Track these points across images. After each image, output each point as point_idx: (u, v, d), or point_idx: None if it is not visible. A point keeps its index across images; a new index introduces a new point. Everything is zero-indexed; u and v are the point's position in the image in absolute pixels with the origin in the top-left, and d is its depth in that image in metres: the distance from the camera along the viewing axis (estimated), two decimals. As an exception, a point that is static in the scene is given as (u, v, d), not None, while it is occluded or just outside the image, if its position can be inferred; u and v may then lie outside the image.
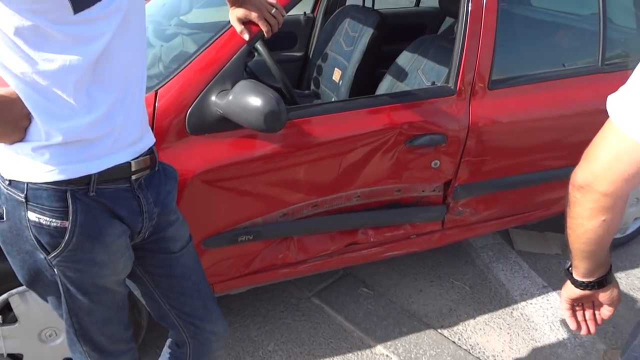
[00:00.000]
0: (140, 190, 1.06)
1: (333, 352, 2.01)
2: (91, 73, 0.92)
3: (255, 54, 2.19)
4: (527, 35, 2.11)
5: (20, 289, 1.53)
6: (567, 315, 1.10)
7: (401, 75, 2.35)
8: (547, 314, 2.28)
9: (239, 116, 1.42)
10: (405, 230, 2.09)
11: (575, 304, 1.09)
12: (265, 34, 1.52)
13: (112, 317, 1.12)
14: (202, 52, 1.54)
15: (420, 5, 3.33)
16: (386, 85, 2.40)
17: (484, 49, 1.87)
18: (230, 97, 1.44)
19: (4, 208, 0.97)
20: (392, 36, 2.80)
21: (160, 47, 1.84)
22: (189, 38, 1.85)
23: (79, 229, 0.97)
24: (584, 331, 1.10)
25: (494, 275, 2.50)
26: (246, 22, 1.52)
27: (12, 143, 0.94)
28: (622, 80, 2.35)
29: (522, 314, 2.27)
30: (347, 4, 3.02)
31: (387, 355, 2.02)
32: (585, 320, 1.10)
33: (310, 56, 3.04)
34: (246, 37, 1.53)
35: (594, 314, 1.10)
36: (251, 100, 1.38)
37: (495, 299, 2.35)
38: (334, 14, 2.87)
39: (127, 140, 1.02)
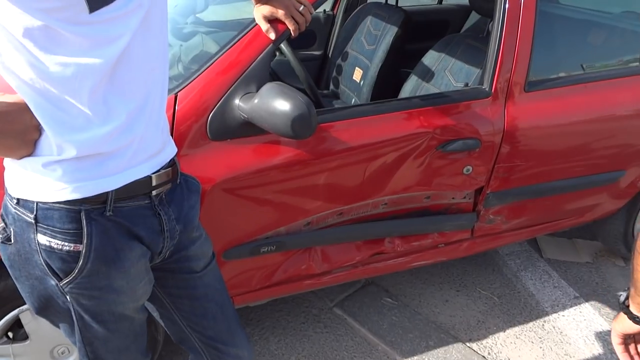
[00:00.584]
0: (161, 207, 0.97)
1: (357, 367, 1.92)
2: (108, 78, 0.82)
3: (277, 52, 2.09)
4: (562, 34, 1.99)
5: (31, 303, 1.44)
6: (619, 350, 1.04)
7: (427, 75, 2.24)
8: (581, 326, 2.17)
9: (265, 121, 1.33)
10: (433, 239, 1.99)
11: (628, 338, 1.02)
12: (292, 32, 1.42)
13: (129, 346, 1.03)
14: (225, 52, 1.44)
15: (443, 2, 3.22)
16: (411, 85, 2.29)
17: (522, 49, 1.75)
18: (256, 101, 1.34)
19: (12, 229, 0.88)
20: (415, 34, 2.69)
21: (179, 47, 1.74)
22: (209, 37, 1.75)
23: (94, 253, 0.87)
24: None
25: (523, 285, 2.39)
26: (272, 20, 1.42)
27: (20, 158, 0.84)
28: (664, 82, 2.20)
29: (554, 327, 2.16)
30: (368, 1, 2.91)
31: (414, 371, 1.92)
32: (638, 354, 1.03)
33: (330, 55, 2.93)
34: (272, 36, 1.43)
35: None
36: (279, 104, 1.29)
37: (526, 310, 2.24)
38: (355, 11, 2.77)
39: (148, 152, 0.93)
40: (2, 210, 0.92)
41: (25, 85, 0.78)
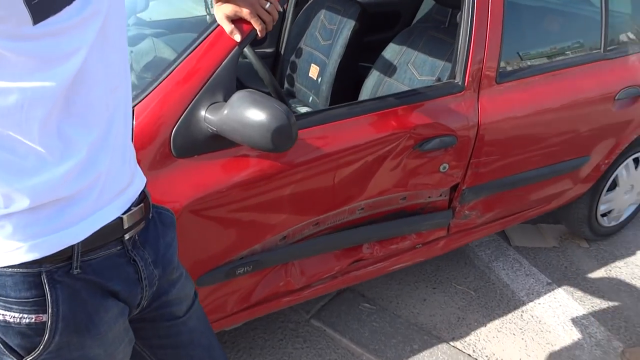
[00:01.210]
0: (135, 251, 0.82)
1: (344, 382, 1.83)
2: (63, 105, 0.66)
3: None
4: (525, 23, 1.96)
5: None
6: None
7: (389, 70, 2.16)
8: (557, 313, 2.18)
9: (238, 133, 1.19)
10: (410, 241, 1.92)
11: None
12: (259, 33, 1.29)
13: None
14: (184, 58, 1.28)
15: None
16: (373, 81, 2.21)
17: (492, 41, 1.70)
18: (226, 112, 1.20)
19: None
20: (369, 27, 2.61)
21: (129, 54, 1.56)
22: (160, 41, 1.58)
23: (62, 323, 0.72)
24: None
25: (496, 276, 2.37)
26: (236, 20, 1.28)
27: None
28: (624, 66, 2.24)
29: (532, 316, 2.16)
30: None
31: (402, 379, 1.85)
32: None
33: (282, 52, 2.79)
34: (237, 37, 1.29)
35: None
36: (254, 114, 1.15)
37: (503, 302, 2.23)
38: (307, 5, 2.64)
39: (115, 189, 0.78)
40: None
41: None
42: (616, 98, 2.03)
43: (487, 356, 1.96)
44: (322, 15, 2.52)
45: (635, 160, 2.41)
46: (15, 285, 0.69)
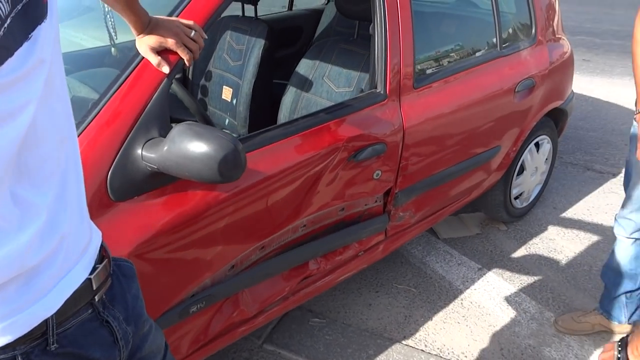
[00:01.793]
0: (106, 312, 0.77)
1: (309, 402, 1.81)
2: (14, 166, 0.60)
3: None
4: (433, 30, 2.08)
5: None
6: None
7: (305, 85, 2.19)
8: (492, 295, 2.32)
9: (183, 168, 1.14)
10: (353, 249, 1.95)
11: None
12: (186, 62, 1.26)
13: None
14: (111, 95, 1.21)
15: (293, 8, 3.19)
16: (291, 97, 2.22)
17: (406, 49, 1.78)
18: (166, 148, 1.15)
19: None
20: (276, 43, 2.63)
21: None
22: (73, 78, 1.48)
23: None
24: None
25: (432, 270, 2.48)
26: (161, 52, 1.23)
27: None
28: (518, 61, 2.43)
29: (471, 302, 2.28)
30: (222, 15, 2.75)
31: (365, 387, 1.87)
32: None
33: (191, 77, 2.73)
34: (166, 69, 1.25)
35: None
36: (198, 147, 1.11)
37: (442, 293, 2.33)
38: (209, 27, 2.59)
39: (78, 249, 0.72)
40: None
41: None
42: (516, 90, 2.22)
43: (438, 348, 2.04)
44: (229, 36, 2.49)
45: (536, 145, 2.64)
46: None
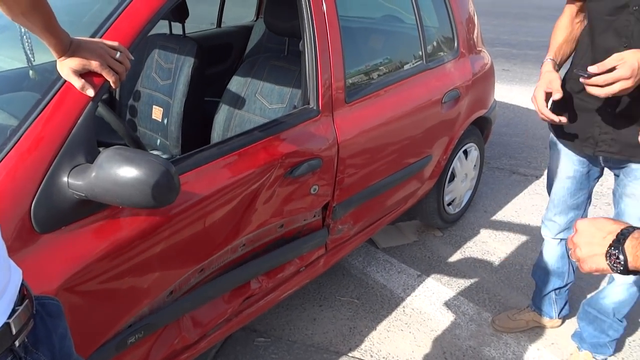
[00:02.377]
0: (29, 357, 0.72)
1: None
2: None
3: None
4: (360, 45, 2.13)
5: None
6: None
7: (238, 102, 2.17)
8: (432, 300, 2.38)
9: (112, 195, 1.10)
10: (294, 265, 1.94)
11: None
12: (112, 84, 1.22)
13: None
14: (32, 121, 1.15)
15: (222, 25, 3.17)
16: (224, 115, 2.20)
17: (336, 65, 1.81)
18: (94, 174, 1.10)
19: None
20: (206, 61, 2.60)
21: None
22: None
23: None
24: None
25: (373, 279, 2.51)
26: (85, 74, 1.19)
27: None
28: (444, 73, 2.53)
29: (413, 309, 2.33)
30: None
31: (313, 403, 1.85)
32: None
33: (118, 97, 2.64)
34: (90, 92, 1.20)
35: None
36: (128, 172, 1.08)
37: (385, 302, 2.36)
38: (135, 47, 2.52)
39: None
40: None
41: None
42: (443, 101, 2.31)
43: (384, 357, 2.06)
44: (156, 55, 2.44)
45: (465, 152, 2.75)
46: None
